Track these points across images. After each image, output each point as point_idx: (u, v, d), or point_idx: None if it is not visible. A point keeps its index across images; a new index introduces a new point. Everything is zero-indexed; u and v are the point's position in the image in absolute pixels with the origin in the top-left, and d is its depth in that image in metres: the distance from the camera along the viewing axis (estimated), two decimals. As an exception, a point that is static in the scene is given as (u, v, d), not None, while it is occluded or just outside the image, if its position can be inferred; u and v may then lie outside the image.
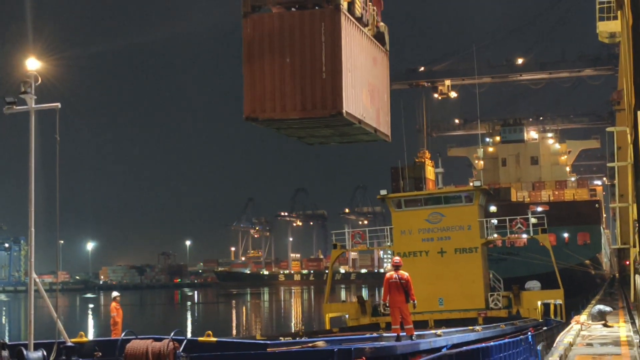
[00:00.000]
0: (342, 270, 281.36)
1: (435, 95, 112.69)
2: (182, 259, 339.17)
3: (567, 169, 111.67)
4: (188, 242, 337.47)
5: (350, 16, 24.35)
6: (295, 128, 25.75)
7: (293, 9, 24.42)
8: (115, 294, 37.27)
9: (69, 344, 16.17)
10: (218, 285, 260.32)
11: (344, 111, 23.41)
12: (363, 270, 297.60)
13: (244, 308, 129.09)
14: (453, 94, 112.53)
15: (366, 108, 25.64)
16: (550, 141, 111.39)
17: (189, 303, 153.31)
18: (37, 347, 15.73)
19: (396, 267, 26.59)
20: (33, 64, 17.16)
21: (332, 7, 23.56)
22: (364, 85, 25.53)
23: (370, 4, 26.96)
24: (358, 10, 25.07)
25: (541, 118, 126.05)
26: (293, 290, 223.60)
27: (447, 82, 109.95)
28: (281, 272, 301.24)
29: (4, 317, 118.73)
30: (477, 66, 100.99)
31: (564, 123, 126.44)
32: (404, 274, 26.39)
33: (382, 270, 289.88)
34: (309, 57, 23.82)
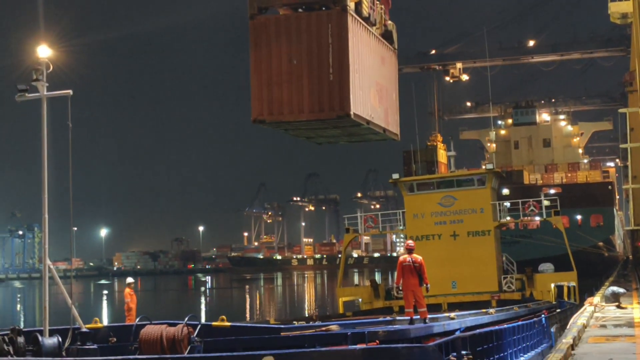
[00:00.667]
0: (355, 255, 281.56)
1: (447, 79, 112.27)
2: (195, 245, 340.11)
3: (580, 151, 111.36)
4: (201, 228, 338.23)
5: (357, 17, 24.11)
6: (303, 129, 25.63)
7: (300, 10, 24.24)
8: (129, 280, 37.39)
9: (84, 329, 16.25)
10: (231, 271, 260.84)
11: (351, 113, 23.26)
12: (376, 254, 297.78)
13: (257, 293, 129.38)
14: (465, 77, 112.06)
15: (374, 108, 25.49)
16: (563, 123, 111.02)
17: (202, 288, 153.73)
18: (52, 333, 15.82)
19: (409, 251, 26.59)
20: (44, 52, 17.19)
21: (338, 9, 23.31)
22: (372, 86, 25.35)
23: (378, 2, 26.74)
24: (365, 10, 24.85)
25: (553, 100, 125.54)
26: (306, 275, 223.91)
27: (459, 65, 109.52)
28: (294, 256, 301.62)
29: (18, 303, 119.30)
30: (488, 48, 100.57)
31: (576, 105, 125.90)
32: (418, 257, 26.38)
33: (394, 254, 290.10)
34: (316, 59, 23.61)
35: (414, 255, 26.43)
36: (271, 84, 23.92)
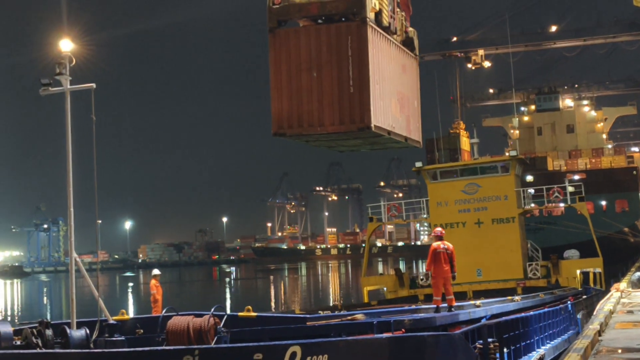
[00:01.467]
0: (379, 244, 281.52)
1: (469, 66, 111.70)
2: (219, 236, 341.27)
3: (604, 136, 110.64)
4: (225, 219, 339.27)
5: (377, 27, 23.91)
6: (324, 140, 25.50)
7: (320, 21, 24.09)
8: (155, 271, 37.52)
9: (111, 321, 16.35)
10: (255, 261, 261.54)
11: (372, 125, 23.12)
12: (400, 243, 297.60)
13: (282, 283, 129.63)
14: (487, 64, 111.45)
15: (396, 118, 25.35)
16: (586, 109, 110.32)
17: (227, 279, 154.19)
18: (79, 325, 15.92)
19: (440, 238, 26.48)
20: (67, 46, 17.25)
21: (358, 21, 23.14)
22: (393, 95, 25.20)
23: (398, 10, 26.54)
24: (385, 19, 24.65)
25: (576, 85, 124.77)
26: (330, 265, 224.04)
27: (481, 52, 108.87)
28: (318, 246, 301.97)
29: (45, 297, 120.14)
30: (510, 34, 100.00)
31: (599, 90, 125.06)
32: (449, 245, 26.34)
33: (418, 243, 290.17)
34: (335, 71, 23.44)
35: (446, 242, 26.38)
36: (291, 97, 23.75)
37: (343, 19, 23.64)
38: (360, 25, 23.14)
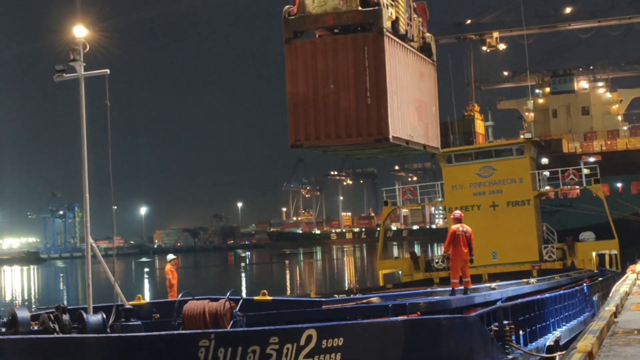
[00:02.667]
0: (394, 228, 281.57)
1: (484, 48, 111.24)
2: (235, 221, 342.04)
3: (619, 118, 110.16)
4: (240, 204, 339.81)
5: (394, 37, 23.75)
6: (342, 150, 25.47)
7: (336, 30, 23.98)
8: (171, 256, 37.58)
9: (128, 306, 16.43)
10: (271, 246, 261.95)
11: (390, 136, 23.02)
12: (415, 227, 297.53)
13: (297, 268, 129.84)
14: (502, 46, 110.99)
15: (414, 127, 25.27)
16: (601, 90, 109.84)
17: (242, 264, 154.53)
18: (96, 310, 16.00)
19: (459, 220, 26.54)
20: (81, 32, 17.26)
21: (375, 32, 23.01)
22: (410, 104, 25.09)
23: (415, 15, 26.38)
24: (402, 27, 24.49)
25: (591, 67, 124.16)
26: (345, 249, 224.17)
27: (495, 35, 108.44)
28: (333, 231, 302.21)
29: (62, 282, 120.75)
30: (524, 16, 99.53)
31: (614, 72, 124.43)
32: (468, 228, 26.41)
33: (433, 227, 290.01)
34: (352, 82, 23.28)
35: (465, 225, 26.42)
36: (308, 109, 23.69)
37: (359, 29, 23.50)
38: (377, 35, 22.94)
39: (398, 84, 23.84)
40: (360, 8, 22.88)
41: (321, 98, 23.53)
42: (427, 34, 27.62)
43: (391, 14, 23.60)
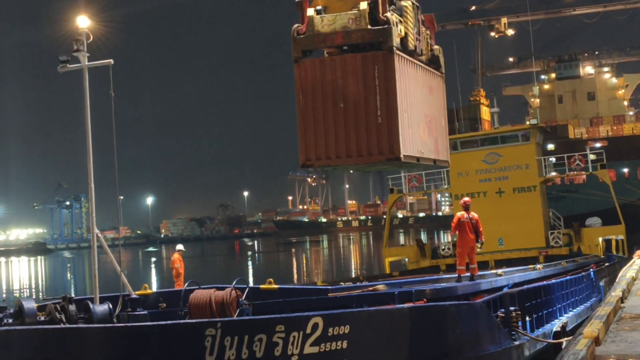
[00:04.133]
0: (400, 215, 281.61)
1: (492, 34, 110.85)
2: (241, 210, 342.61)
3: (625, 103, 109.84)
4: (246, 193, 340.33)
5: (403, 54, 23.63)
6: (352, 166, 25.46)
7: (345, 47, 23.88)
8: (179, 246, 37.71)
9: (134, 296, 16.46)
10: (277, 235, 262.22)
11: (401, 156, 23.02)
12: (421, 214, 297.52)
13: (303, 256, 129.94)
14: (510, 32, 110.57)
15: (424, 142, 25.22)
16: (607, 76, 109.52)
17: (249, 253, 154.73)
18: (102, 300, 16.04)
19: (466, 208, 26.60)
20: (84, 22, 17.26)
21: (385, 50, 22.90)
22: (420, 120, 25.01)
23: (424, 28, 26.27)
24: (411, 43, 24.37)
25: (597, 53, 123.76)
26: (351, 237, 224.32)
27: (504, 20, 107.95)
28: (339, 219, 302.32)
29: (68, 273, 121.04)
30: (529, 2, 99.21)
31: (620, 56, 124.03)
32: (474, 214, 26.44)
33: (439, 214, 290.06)
34: (362, 101, 23.16)
35: (471, 212, 26.46)
36: (318, 128, 23.63)
37: (369, 45, 23.40)
38: (387, 54, 22.79)
39: (408, 101, 23.80)
40: (369, 27, 22.77)
41: (331, 117, 23.45)
42: (435, 46, 27.55)
43: (400, 30, 23.54)
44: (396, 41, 22.91)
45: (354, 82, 23.18)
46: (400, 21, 23.67)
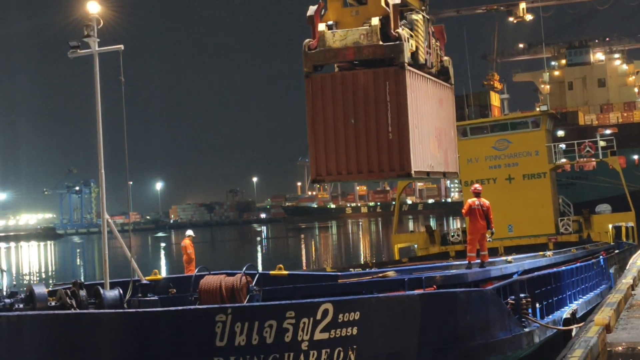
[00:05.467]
0: (409, 201, 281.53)
1: (511, 19, 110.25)
2: (250, 196, 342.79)
3: (636, 89, 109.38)
4: (255, 179, 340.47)
5: (414, 69, 23.59)
6: (362, 182, 25.61)
7: (356, 62, 23.79)
8: (189, 232, 37.74)
9: (144, 281, 16.49)
10: (286, 220, 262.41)
11: (412, 172, 23.01)
12: (430, 201, 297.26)
13: (312, 242, 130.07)
14: (529, 17, 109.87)
15: (434, 156, 25.18)
16: (618, 62, 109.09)
17: (258, 238, 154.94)
18: (113, 285, 16.07)
19: (477, 195, 26.58)
20: (94, 7, 17.23)
21: (396, 66, 22.79)
22: (430, 134, 24.97)
23: (434, 40, 26.18)
24: (422, 57, 24.26)
25: (607, 39, 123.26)
26: (360, 223, 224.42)
27: (522, 5, 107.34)
28: (348, 205, 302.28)
29: (78, 258, 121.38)
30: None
31: (631, 43, 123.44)
32: (485, 201, 26.41)
33: (449, 200, 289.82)
34: (373, 117, 23.09)
35: (482, 199, 26.43)
36: (329, 144, 23.62)
37: (380, 62, 23.32)
38: (399, 70, 22.72)
39: (419, 116, 23.75)
40: (381, 42, 22.68)
41: (342, 133, 23.43)
42: (445, 58, 27.47)
43: (411, 45, 23.47)
44: (407, 56, 22.87)
45: (365, 98, 23.15)
46: (412, 36, 23.63)
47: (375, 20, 22.74)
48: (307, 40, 23.43)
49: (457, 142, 45.00)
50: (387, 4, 23.00)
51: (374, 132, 23.05)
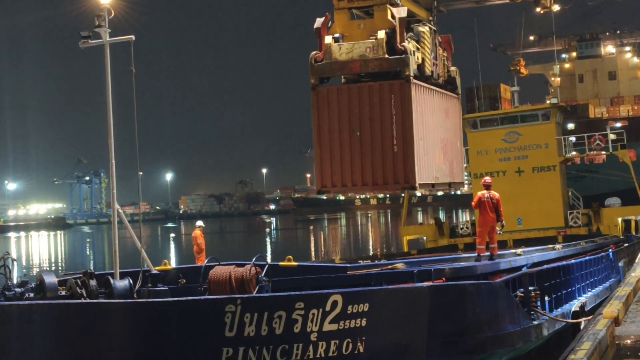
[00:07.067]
0: (418, 193, 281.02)
1: (538, 9, 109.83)
2: (259, 187, 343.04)
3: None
4: (264, 170, 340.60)
5: (420, 81, 23.51)
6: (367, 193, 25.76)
7: (362, 75, 23.78)
8: (199, 223, 37.84)
9: (154, 272, 16.54)
10: (295, 212, 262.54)
11: (417, 185, 23.04)
12: (439, 193, 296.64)
13: (321, 233, 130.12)
14: (556, 8, 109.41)
15: (439, 168, 25.19)
16: (628, 55, 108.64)
17: (267, 230, 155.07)
18: (123, 275, 16.11)
19: (487, 187, 26.54)
20: (105, -2, 17.23)
21: (402, 80, 22.75)
22: (436, 145, 24.96)
23: (440, 50, 26.11)
24: (428, 68, 24.22)
25: (618, 32, 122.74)
26: (369, 215, 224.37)
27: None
28: (357, 196, 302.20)
29: (88, 248, 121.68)
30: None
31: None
32: (495, 194, 26.37)
33: (458, 192, 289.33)
34: (379, 130, 23.11)
35: (492, 191, 26.40)
36: (334, 156, 23.68)
37: (385, 75, 23.29)
38: (404, 84, 22.72)
39: (425, 128, 23.77)
40: (387, 56, 22.66)
41: (347, 146, 23.52)
42: (452, 68, 27.45)
43: (417, 58, 23.44)
44: (413, 69, 22.86)
45: (370, 111, 23.23)
46: (418, 48, 23.63)
47: (381, 34, 22.79)
48: (314, 52, 23.51)
49: (467, 132, 45.41)
50: (393, 17, 23.01)
51: (379, 145, 23.16)
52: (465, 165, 47.19)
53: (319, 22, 23.73)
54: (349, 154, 23.55)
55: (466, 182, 39.07)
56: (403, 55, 22.57)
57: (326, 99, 23.75)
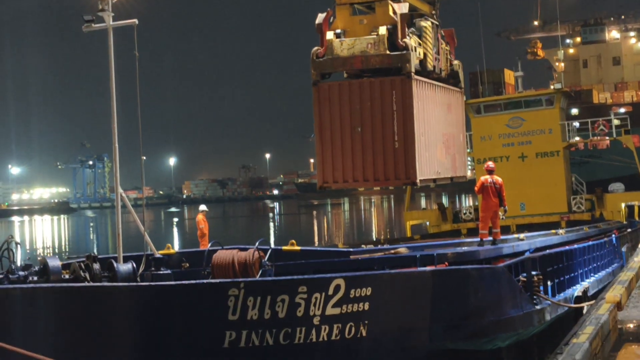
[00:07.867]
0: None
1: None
2: (263, 172, 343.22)
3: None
4: (268, 155, 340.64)
5: (422, 77, 23.45)
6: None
7: (363, 71, 23.75)
8: (202, 207, 37.85)
9: (158, 255, 16.56)
10: (298, 197, 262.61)
11: (418, 180, 23.06)
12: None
13: (324, 218, 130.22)
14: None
15: (441, 163, 25.17)
16: (633, 40, 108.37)
17: (270, 215, 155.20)
18: (126, 259, 16.14)
19: (490, 172, 26.49)
20: (109, -19, 17.20)
21: (403, 76, 22.72)
22: (438, 141, 24.92)
23: (443, 43, 26.03)
24: (430, 63, 24.18)
25: (623, 17, 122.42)
26: (373, 200, 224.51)
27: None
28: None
29: (91, 232, 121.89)
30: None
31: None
32: (498, 179, 26.32)
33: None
34: (380, 126, 23.12)
35: (495, 176, 26.36)
36: (335, 152, 23.73)
37: (387, 71, 23.27)
38: (405, 79, 22.73)
39: (426, 124, 23.77)
40: (388, 52, 22.63)
41: (349, 141, 23.57)
42: (455, 62, 27.37)
43: (419, 53, 23.40)
44: (415, 64, 22.85)
45: (371, 107, 23.27)
46: (420, 43, 23.59)
47: (382, 30, 22.77)
48: (315, 48, 23.51)
49: (471, 118, 45.37)
50: (395, 12, 22.98)
51: (380, 141, 23.20)
52: (468, 150, 47.27)
53: (320, 17, 23.73)
54: (350, 150, 23.64)
55: (469, 167, 39.04)
56: (404, 52, 22.58)
57: (327, 95, 23.80)
